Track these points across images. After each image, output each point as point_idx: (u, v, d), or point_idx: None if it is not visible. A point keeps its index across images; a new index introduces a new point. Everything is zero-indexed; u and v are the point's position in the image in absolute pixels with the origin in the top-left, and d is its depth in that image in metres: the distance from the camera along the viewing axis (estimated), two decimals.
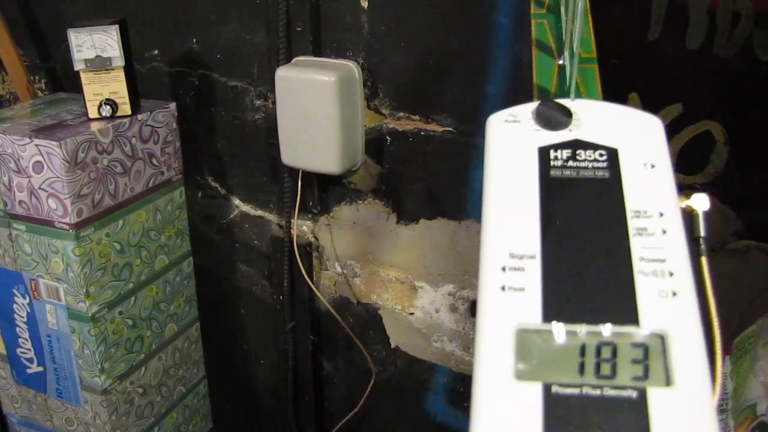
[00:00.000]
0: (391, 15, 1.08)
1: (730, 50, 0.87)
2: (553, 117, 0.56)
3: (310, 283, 1.33)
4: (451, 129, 1.09)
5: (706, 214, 0.54)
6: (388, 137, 1.16)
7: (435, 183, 1.15)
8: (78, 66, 1.16)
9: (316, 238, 1.32)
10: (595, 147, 0.55)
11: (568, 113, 0.57)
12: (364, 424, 1.43)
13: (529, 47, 0.99)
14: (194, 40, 1.30)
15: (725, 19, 0.86)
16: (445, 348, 1.25)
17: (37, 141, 1.10)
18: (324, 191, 1.27)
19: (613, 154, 0.54)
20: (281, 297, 1.39)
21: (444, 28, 1.05)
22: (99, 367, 1.25)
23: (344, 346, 1.39)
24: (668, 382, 0.42)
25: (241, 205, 1.40)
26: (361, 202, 1.23)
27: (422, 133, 1.12)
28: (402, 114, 1.13)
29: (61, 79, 1.52)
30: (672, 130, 0.92)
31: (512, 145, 0.56)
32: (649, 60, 0.93)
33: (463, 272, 1.18)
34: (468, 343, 1.22)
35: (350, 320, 1.35)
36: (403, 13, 1.07)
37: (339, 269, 1.32)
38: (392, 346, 1.32)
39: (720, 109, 0.91)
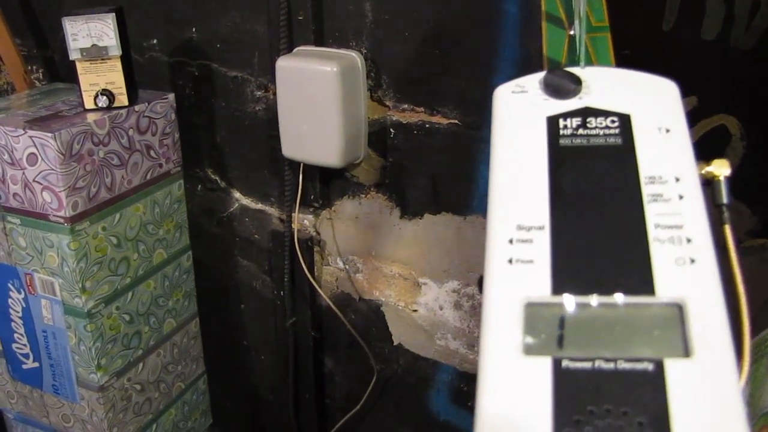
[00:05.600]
0: (395, 3, 1.05)
1: (749, 41, 0.84)
2: (562, 85, 0.55)
3: (311, 278, 1.30)
4: (456, 122, 1.06)
5: (729, 180, 0.52)
6: (391, 130, 1.13)
7: (440, 177, 1.12)
8: (73, 56, 1.13)
9: (318, 233, 1.30)
10: (606, 114, 0.53)
11: (577, 81, 0.55)
12: (365, 422, 1.41)
13: (537, 37, 0.96)
14: (193, 30, 1.27)
15: (744, 9, 0.83)
16: (449, 346, 1.23)
17: (30, 132, 1.07)
18: (326, 185, 1.24)
19: (625, 120, 0.52)
20: (282, 292, 1.37)
21: (450, 18, 1.02)
22: (95, 363, 1.22)
23: (346, 342, 1.36)
24: (687, 352, 0.40)
25: (241, 199, 1.37)
26: (363, 196, 1.21)
27: (427, 126, 1.09)
28: (406, 106, 1.10)
29: (59, 68, 1.49)
30: None
31: (520, 116, 0.55)
32: (663, 51, 0.90)
33: (468, 269, 1.15)
34: (472, 341, 1.20)
35: (352, 317, 1.32)
36: (407, 1, 1.04)
37: (341, 264, 1.30)
38: (395, 343, 1.30)
39: (736, 103, 0.88)
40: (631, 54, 0.90)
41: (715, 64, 0.87)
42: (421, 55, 1.06)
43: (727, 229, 0.51)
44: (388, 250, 1.23)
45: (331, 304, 1.31)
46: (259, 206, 1.35)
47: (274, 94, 1.19)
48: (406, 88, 1.09)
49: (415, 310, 1.24)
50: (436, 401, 1.30)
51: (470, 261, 1.15)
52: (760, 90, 0.86)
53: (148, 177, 1.26)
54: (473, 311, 1.18)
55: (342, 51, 1.10)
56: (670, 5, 0.87)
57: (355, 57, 1.08)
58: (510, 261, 0.46)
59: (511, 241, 0.47)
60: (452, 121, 1.07)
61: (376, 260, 1.25)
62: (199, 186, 1.41)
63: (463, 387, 1.25)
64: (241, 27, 1.21)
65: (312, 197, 1.26)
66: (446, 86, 1.05)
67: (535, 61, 0.97)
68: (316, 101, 1.07)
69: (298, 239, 1.27)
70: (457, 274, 1.17)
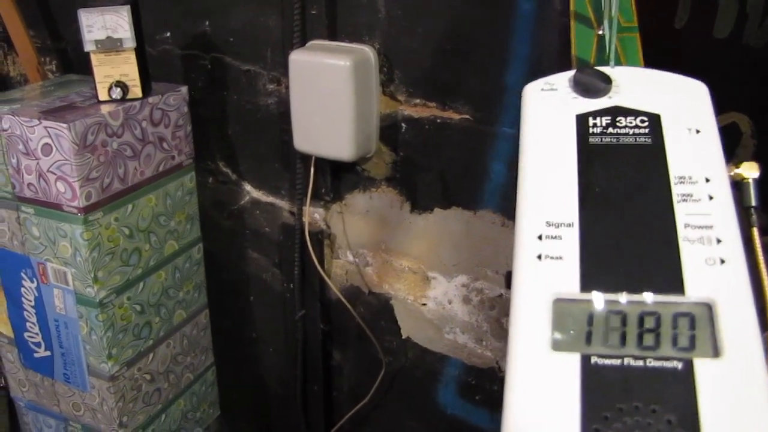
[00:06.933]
0: None
1: (761, 39, 0.84)
2: (592, 84, 0.55)
3: (321, 271, 1.31)
4: (468, 117, 1.07)
5: (757, 182, 0.52)
6: (403, 124, 1.13)
7: (450, 172, 1.13)
8: (88, 47, 1.14)
9: (328, 226, 1.30)
10: (636, 113, 0.53)
11: (607, 80, 0.55)
12: (373, 414, 1.42)
13: (551, 34, 0.97)
14: (207, 23, 1.27)
15: (756, 7, 0.83)
16: (458, 340, 1.23)
17: (45, 123, 1.08)
18: (337, 178, 1.25)
19: (655, 120, 0.53)
20: (291, 285, 1.38)
21: (463, 13, 1.02)
22: (106, 352, 1.23)
23: (355, 335, 1.37)
24: (716, 352, 0.41)
25: (252, 191, 1.38)
26: (374, 190, 1.21)
27: (438, 121, 1.10)
28: (418, 101, 1.10)
29: (72, 60, 1.50)
30: None
31: (549, 114, 0.55)
32: (675, 49, 0.90)
33: (477, 263, 1.16)
34: (481, 335, 1.20)
35: (361, 310, 1.33)
36: None
37: (351, 258, 1.30)
38: (403, 336, 1.30)
39: (748, 101, 0.88)
40: (644, 51, 0.90)
41: (727, 62, 0.87)
42: (434, 51, 1.06)
43: (755, 232, 0.51)
44: (398, 244, 1.23)
45: (340, 297, 1.32)
46: (270, 199, 1.36)
47: (287, 87, 1.19)
48: (418, 83, 1.10)
49: (424, 304, 1.25)
50: (443, 395, 1.31)
51: (480, 256, 1.15)
52: None
53: (161, 169, 1.27)
54: (482, 306, 1.18)
55: (355, 45, 1.10)
56: (682, 3, 0.87)
57: (368, 51, 1.09)
58: (539, 257, 0.47)
59: (540, 238, 0.48)
60: (464, 116, 1.07)
61: (386, 254, 1.25)
62: (211, 178, 1.41)
63: (471, 381, 1.25)
64: (254, 21, 1.21)
65: (323, 191, 1.27)
66: (458, 81, 1.06)
67: (549, 57, 0.97)
68: (328, 95, 1.07)
69: (308, 232, 1.28)
70: (467, 268, 1.17)
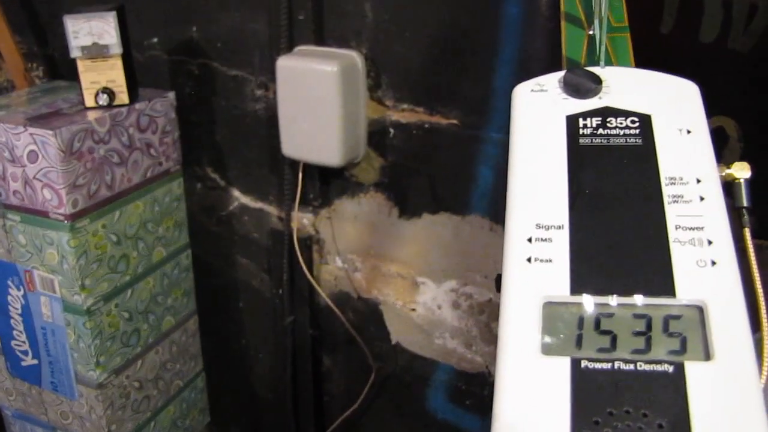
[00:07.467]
0: (395, 4, 1.05)
1: (746, 43, 0.84)
2: (582, 84, 0.55)
3: (310, 277, 1.30)
4: (456, 122, 1.07)
5: (749, 183, 0.52)
6: (391, 129, 1.13)
7: (439, 177, 1.13)
8: (74, 53, 1.13)
9: (317, 232, 1.30)
10: (626, 114, 0.53)
11: (597, 80, 0.55)
12: (363, 420, 1.41)
13: (538, 39, 0.97)
14: (194, 29, 1.27)
15: (742, 11, 0.83)
16: (447, 345, 1.23)
17: (31, 129, 1.07)
18: (325, 184, 1.25)
19: (645, 121, 0.52)
20: (281, 290, 1.37)
21: (450, 18, 1.02)
22: (94, 360, 1.23)
23: (344, 341, 1.37)
24: (708, 356, 0.40)
25: (240, 197, 1.37)
26: (362, 195, 1.21)
27: (426, 126, 1.10)
28: (406, 106, 1.10)
29: (59, 66, 1.49)
30: None
31: (539, 115, 0.55)
32: (662, 53, 0.90)
33: (466, 268, 1.16)
34: (470, 340, 1.20)
35: (350, 315, 1.33)
36: (407, 2, 1.04)
37: (340, 263, 1.30)
38: (393, 342, 1.30)
39: (734, 105, 0.88)
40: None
41: (713, 66, 0.88)
42: (421, 56, 1.06)
43: (747, 233, 0.51)
44: (386, 249, 1.23)
45: (329, 302, 1.31)
46: (259, 205, 1.35)
47: (274, 93, 1.19)
48: (406, 89, 1.10)
49: (414, 309, 1.24)
50: (433, 400, 1.30)
51: (469, 260, 1.15)
52: (757, 91, 0.87)
53: (148, 175, 1.27)
54: (471, 311, 1.18)
55: (342, 51, 1.10)
56: (668, 8, 0.87)
57: (355, 57, 1.09)
58: (529, 260, 0.46)
59: (530, 240, 0.47)
60: (452, 121, 1.07)
61: (374, 259, 1.25)
62: (199, 184, 1.41)
63: (461, 386, 1.25)
64: (241, 26, 1.21)
65: (311, 196, 1.26)
66: (446, 86, 1.06)
67: (536, 62, 0.98)
68: (316, 100, 1.07)
69: (297, 238, 1.28)
70: (456, 273, 1.17)
